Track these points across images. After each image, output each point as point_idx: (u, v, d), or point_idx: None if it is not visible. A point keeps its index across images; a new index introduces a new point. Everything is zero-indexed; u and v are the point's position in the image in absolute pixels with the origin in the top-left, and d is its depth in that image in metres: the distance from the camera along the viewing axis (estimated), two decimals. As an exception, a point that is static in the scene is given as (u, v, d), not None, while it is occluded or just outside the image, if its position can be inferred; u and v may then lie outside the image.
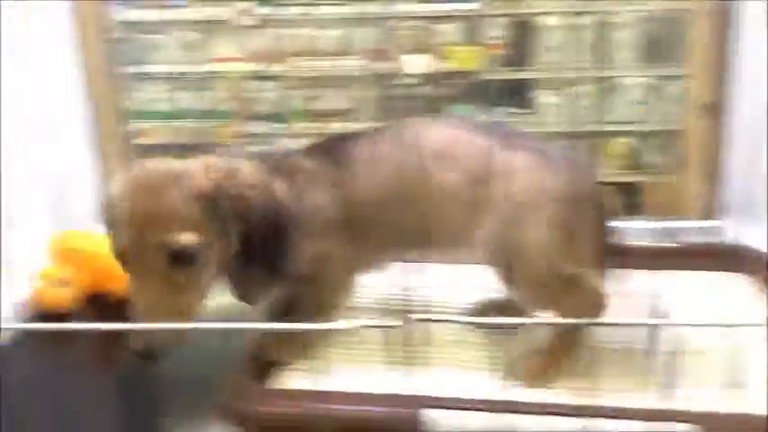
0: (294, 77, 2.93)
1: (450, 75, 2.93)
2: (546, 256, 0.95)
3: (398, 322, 0.45)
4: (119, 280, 1.28)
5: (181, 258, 0.86)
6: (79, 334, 1.10)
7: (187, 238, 0.85)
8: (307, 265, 0.97)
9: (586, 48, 2.80)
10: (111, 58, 2.72)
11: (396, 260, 1.06)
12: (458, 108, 2.95)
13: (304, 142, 3.02)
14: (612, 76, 2.82)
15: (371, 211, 1.00)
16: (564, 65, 2.81)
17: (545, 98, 2.90)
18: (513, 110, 2.95)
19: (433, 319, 0.46)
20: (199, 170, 0.90)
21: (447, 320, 0.64)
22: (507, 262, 0.97)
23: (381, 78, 2.98)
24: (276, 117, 2.98)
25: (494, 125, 1.16)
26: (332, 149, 1.07)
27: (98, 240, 1.32)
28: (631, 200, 2.95)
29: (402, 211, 0.99)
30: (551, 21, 2.79)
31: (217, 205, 0.88)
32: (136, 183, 0.89)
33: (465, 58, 2.86)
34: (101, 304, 1.37)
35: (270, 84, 2.95)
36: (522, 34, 2.83)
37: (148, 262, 0.84)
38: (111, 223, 0.90)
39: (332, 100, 2.97)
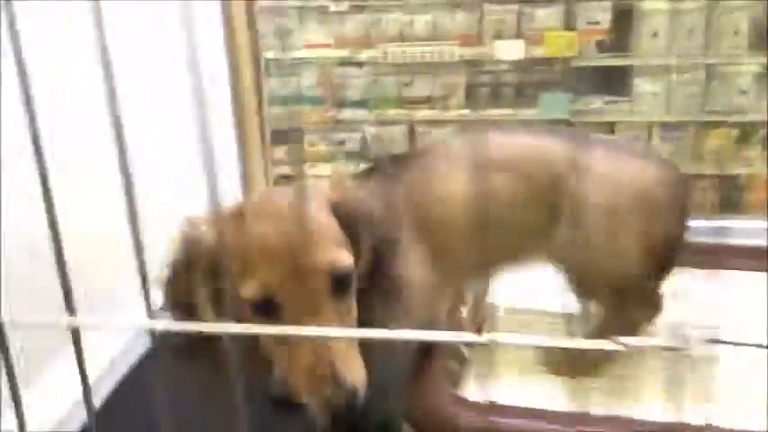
0: (385, 63, 2.88)
1: (544, 61, 2.84)
2: (630, 262, 0.91)
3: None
4: None
5: (343, 282, 0.72)
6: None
7: (346, 258, 0.72)
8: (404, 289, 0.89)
9: (691, 34, 2.67)
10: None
11: (481, 279, 1.02)
12: (551, 95, 2.86)
13: (394, 130, 2.99)
14: (717, 64, 2.70)
15: (456, 232, 0.94)
16: (667, 51, 2.70)
17: (644, 86, 2.80)
18: (609, 98, 2.86)
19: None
20: (320, 188, 0.79)
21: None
22: (582, 265, 0.93)
23: (472, 65, 2.91)
24: (365, 103, 2.95)
25: (563, 130, 1.11)
26: (402, 168, 0.99)
27: None
28: (730, 195, 2.84)
29: (489, 227, 0.94)
30: (656, 5, 2.66)
31: (349, 221, 0.76)
32: (263, 210, 0.74)
33: (561, 44, 2.77)
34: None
35: (359, 70, 2.91)
36: (625, 19, 2.71)
37: (306, 293, 0.69)
38: (228, 266, 0.71)
39: (423, 86, 2.92)
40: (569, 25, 2.76)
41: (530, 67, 2.89)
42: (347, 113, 2.96)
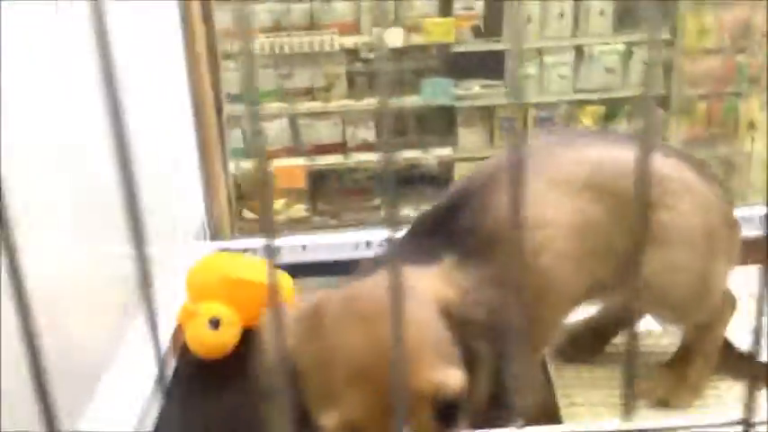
0: (261, 55, 2.76)
1: (423, 48, 2.85)
2: (722, 281, 0.88)
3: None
4: None
5: (451, 409, 0.55)
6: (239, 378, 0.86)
7: (456, 379, 0.55)
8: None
9: (561, 17, 2.78)
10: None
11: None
12: (432, 82, 2.88)
13: (278, 125, 2.88)
14: (585, 45, 2.82)
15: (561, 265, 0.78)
16: (539, 34, 2.79)
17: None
18: (487, 81, 2.92)
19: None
20: (425, 282, 0.60)
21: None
22: (675, 287, 0.85)
23: (352, 54, 2.86)
24: (239, 98, 2.81)
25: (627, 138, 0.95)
26: (463, 227, 0.75)
27: (255, 265, 1.07)
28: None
29: (592, 254, 0.81)
30: (526, -9, 2.74)
31: (465, 330, 0.59)
32: (348, 312, 0.57)
33: (439, 31, 2.78)
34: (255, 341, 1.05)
35: (234, 63, 2.78)
36: (498, 4, 2.77)
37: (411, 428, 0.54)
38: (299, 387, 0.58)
39: (303, 78, 2.84)
40: (445, 12, 2.78)
41: (411, 54, 2.89)
42: (225, 109, 2.82)
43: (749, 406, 0.37)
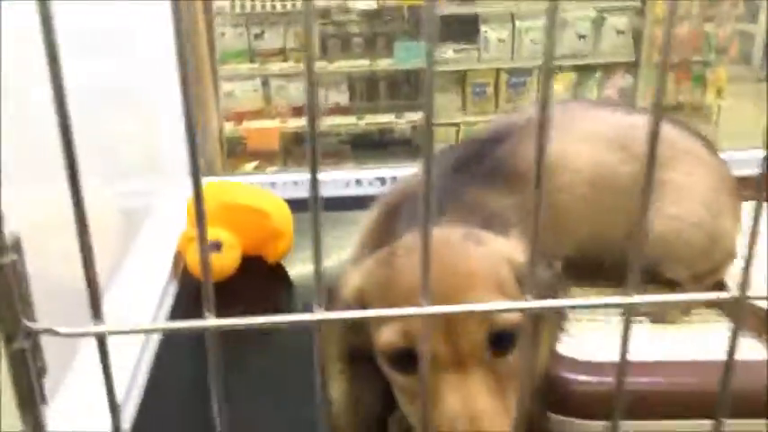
0: (232, 14, 2.72)
1: (396, 10, 2.84)
2: (724, 237, 0.90)
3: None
4: (279, 240, 1.05)
5: (505, 340, 0.56)
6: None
7: (515, 315, 0.55)
8: None
9: (534, -18, 2.78)
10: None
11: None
12: (404, 45, 2.87)
13: (250, 86, 2.85)
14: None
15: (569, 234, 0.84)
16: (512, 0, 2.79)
17: (491, 33, 2.88)
18: (459, 46, 2.92)
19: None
20: (504, 245, 0.61)
21: None
22: (680, 238, 0.89)
23: (325, 15, 2.83)
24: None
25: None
26: (491, 166, 0.81)
27: (254, 193, 1.08)
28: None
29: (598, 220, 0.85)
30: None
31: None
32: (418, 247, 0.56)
33: (412, -7, 2.77)
34: (256, 270, 1.03)
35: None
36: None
37: (457, 346, 0.55)
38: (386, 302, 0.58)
39: (274, 38, 2.80)
40: (419, -27, 2.77)
41: (380, 17, 2.87)
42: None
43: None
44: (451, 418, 0.52)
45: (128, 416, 0.78)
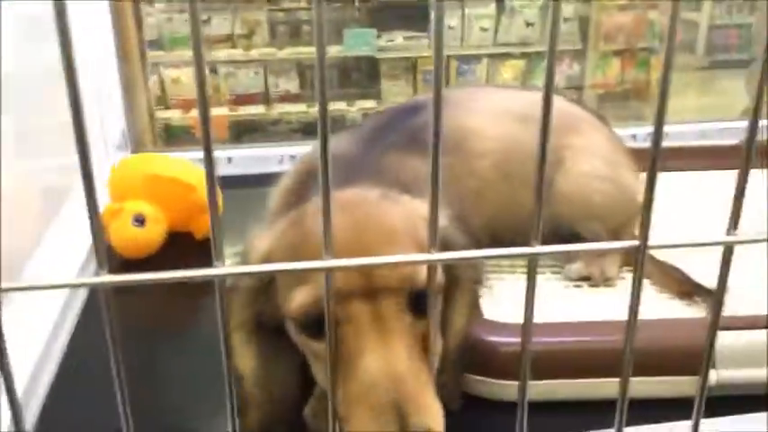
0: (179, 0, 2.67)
1: (346, -3, 2.82)
2: (630, 187, 0.95)
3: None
4: (205, 214, 1.03)
5: (424, 303, 0.54)
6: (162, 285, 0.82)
7: (422, 266, 0.52)
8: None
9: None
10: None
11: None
12: (354, 32, 2.85)
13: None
14: (506, -2, 2.86)
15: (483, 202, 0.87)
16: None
17: (441, 20, 2.89)
18: (409, 33, 2.92)
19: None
20: (421, 205, 0.59)
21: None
22: (588, 198, 0.93)
23: (274, 1, 2.80)
24: (159, 43, 2.72)
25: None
26: (409, 132, 0.82)
27: (180, 166, 1.04)
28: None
29: (509, 188, 0.88)
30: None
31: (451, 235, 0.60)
32: (344, 206, 0.55)
33: (362, -21, 2.75)
34: (183, 246, 1.00)
35: (151, 7, 2.67)
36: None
37: (374, 309, 0.53)
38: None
39: (222, 24, 2.76)
40: (368, -40, 2.76)
41: (332, 4, 2.85)
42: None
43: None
44: (373, 383, 0.50)
45: (47, 377, 0.78)
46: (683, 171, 1.09)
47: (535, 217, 0.43)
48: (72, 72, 0.34)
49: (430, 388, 0.52)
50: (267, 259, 0.58)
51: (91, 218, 0.39)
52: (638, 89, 3.07)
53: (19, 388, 0.43)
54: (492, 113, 0.93)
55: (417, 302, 0.54)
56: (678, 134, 1.25)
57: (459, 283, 0.61)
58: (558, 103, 0.86)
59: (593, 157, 0.93)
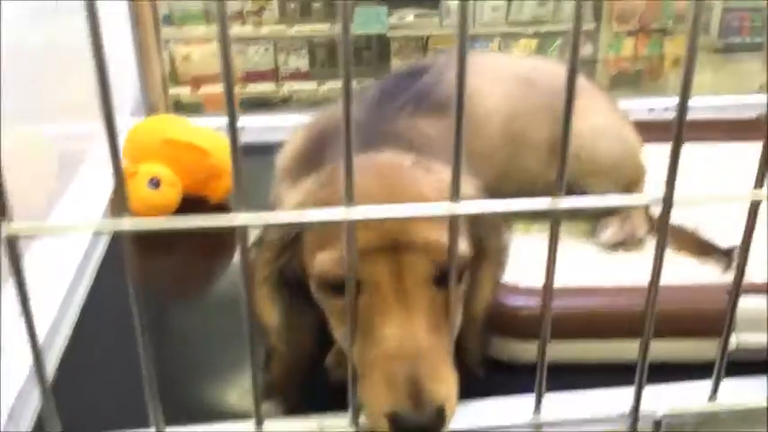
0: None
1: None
2: (633, 142, 0.96)
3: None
4: (219, 179, 1.01)
5: (446, 276, 0.51)
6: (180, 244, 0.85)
7: (461, 246, 0.53)
8: None
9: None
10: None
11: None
12: (366, 10, 2.83)
13: (207, 50, 2.79)
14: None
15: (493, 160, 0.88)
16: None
17: (452, -1, 2.86)
18: (420, 11, 2.89)
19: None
20: (441, 167, 0.58)
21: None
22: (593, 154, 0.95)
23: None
24: (170, 20, 2.71)
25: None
26: (420, 93, 0.81)
27: (195, 130, 1.03)
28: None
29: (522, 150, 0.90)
30: None
31: (478, 225, 0.59)
32: (360, 170, 0.47)
33: (373, -44, 2.73)
34: (198, 211, 0.99)
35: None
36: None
37: (400, 276, 0.52)
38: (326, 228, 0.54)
39: (232, 2, 2.74)
40: (381, -64, 2.73)
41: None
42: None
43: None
44: (391, 353, 0.50)
45: (69, 320, 0.79)
46: (699, 141, 1.07)
47: (558, 170, 0.42)
48: (97, 35, 0.34)
49: (447, 361, 0.52)
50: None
51: (114, 167, 0.39)
52: (651, 70, 3.05)
53: (41, 333, 0.43)
54: (497, 76, 0.93)
55: (442, 275, 0.53)
56: (694, 108, 1.24)
57: (487, 255, 0.60)
58: (560, 68, 0.88)
59: (596, 114, 0.94)
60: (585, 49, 3.01)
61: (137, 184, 0.95)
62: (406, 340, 0.51)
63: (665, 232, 0.43)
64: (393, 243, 0.52)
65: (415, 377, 0.49)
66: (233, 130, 0.38)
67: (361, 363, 0.52)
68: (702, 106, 1.21)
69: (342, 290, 0.50)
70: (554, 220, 0.43)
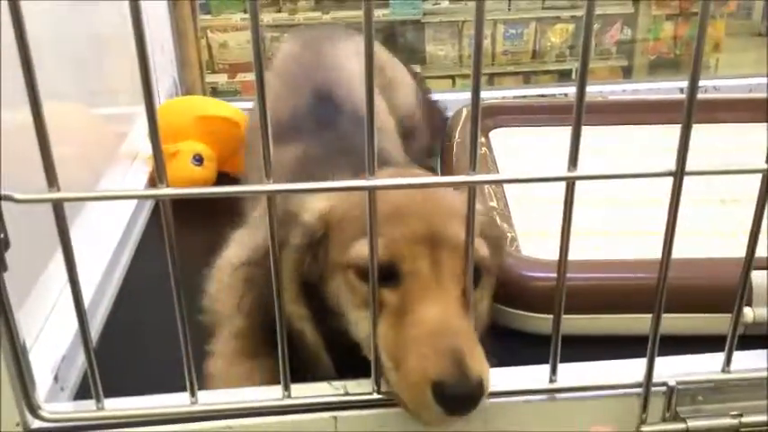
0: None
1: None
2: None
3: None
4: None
5: (478, 273, 0.61)
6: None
7: (486, 250, 0.61)
8: None
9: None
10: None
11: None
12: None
13: (244, 37, 2.82)
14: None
15: None
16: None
17: (488, -17, 2.85)
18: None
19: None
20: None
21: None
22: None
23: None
24: (206, 7, 2.75)
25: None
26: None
27: (224, 105, 1.09)
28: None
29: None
30: None
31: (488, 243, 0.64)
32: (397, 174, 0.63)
33: (408, -58, 2.73)
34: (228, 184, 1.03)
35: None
36: None
37: (439, 267, 0.58)
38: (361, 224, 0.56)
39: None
40: None
41: (377, -33, 2.83)
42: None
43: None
44: (436, 330, 0.55)
45: (115, 279, 0.85)
46: (731, 123, 1.06)
47: (573, 142, 0.44)
48: (139, 20, 0.37)
49: (478, 344, 0.56)
50: (325, 218, 0.62)
51: (153, 142, 0.42)
52: (691, 55, 2.99)
53: (86, 297, 0.46)
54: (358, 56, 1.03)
55: (474, 273, 0.57)
56: (728, 88, 1.23)
57: (488, 271, 0.65)
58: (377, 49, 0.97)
59: (398, 72, 1.21)
60: (624, 34, 2.97)
61: (181, 162, 0.99)
62: (449, 320, 0.56)
63: (677, 206, 0.44)
64: (432, 237, 0.57)
65: (459, 352, 0.53)
66: (263, 106, 0.41)
67: (399, 343, 0.56)
68: (736, 86, 1.21)
69: (382, 278, 0.56)
70: (568, 191, 0.44)
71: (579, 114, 0.41)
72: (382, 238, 0.55)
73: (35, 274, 0.71)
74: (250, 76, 2.82)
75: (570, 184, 0.43)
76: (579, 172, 0.43)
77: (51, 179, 0.39)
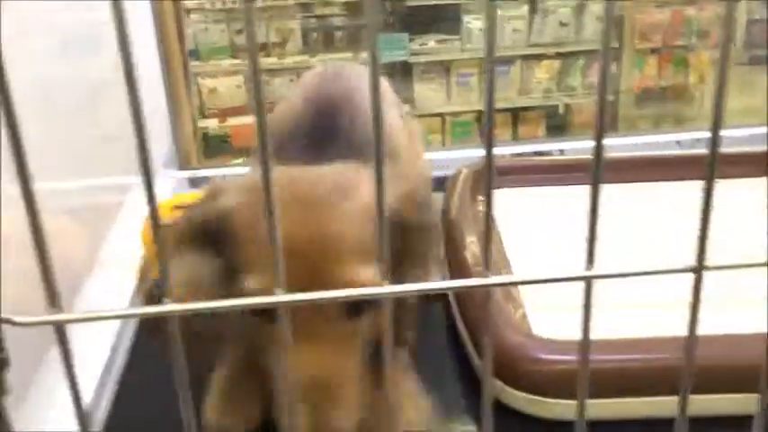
0: (213, 10, 2.71)
1: (377, 1, 2.83)
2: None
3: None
4: None
5: (361, 306, 0.58)
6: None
7: (371, 279, 0.55)
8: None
9: (514, -30, 2.79)
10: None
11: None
12: (387, 36, 2.86)
13: (233, 82, 2.83)
14: (538, -1, 2.84)
15: None
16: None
17: (473, 23, 2.88)
18: (441, 36, 2.92)
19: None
20: (366, 182, 0.61)
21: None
22: None
23: (305, 8, 2.82)
24: (196, 54, 2.76)
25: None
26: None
27: None
28: (555, 122, 3.04)
29: None
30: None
31: (406, 235, 0.61)
32: (287, 192, 0.56)
33: (393, -15, 2.76)
34: None
35: (187, 18, 2.71)
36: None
37: (311, 309, 0.56)
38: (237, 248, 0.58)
39: (257, 33, 2.79)
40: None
41: (363, 10, 2.86)
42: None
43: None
44: (296, 377, 0.53)
45: (105, 402, 0.79)
46: (734, 179, 1.05)
47: (589, 238, 0.42)
48: (133, 84, 0.35)
49: (351, 386, 0.57)
50: (227, 218, 0.59)
51: (159, 251, 0.40)
52: (676, 88, 3.03)
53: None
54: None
55: (356, 307, 0.57)
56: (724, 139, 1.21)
57: (411, 259, 0.62)
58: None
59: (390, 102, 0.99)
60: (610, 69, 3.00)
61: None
62: (311, 367, 0.55)
63: (698, 303, 0.43)
64: (311, 282, 0.46)
65: (316, 401, 0.55)
66: (266, 163, 0.39)
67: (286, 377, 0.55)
68: (731, 137, 1.20)
69: (263, 311, 0.55)
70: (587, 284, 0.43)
71: (594, 211, 0.40)
72: (262, 275, 0.55)
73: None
74: (240, 120, 2.82)
75: (588, 282, 0.42)
76: (596, 270, 0.41)
77: (52, 298, 0.37)
